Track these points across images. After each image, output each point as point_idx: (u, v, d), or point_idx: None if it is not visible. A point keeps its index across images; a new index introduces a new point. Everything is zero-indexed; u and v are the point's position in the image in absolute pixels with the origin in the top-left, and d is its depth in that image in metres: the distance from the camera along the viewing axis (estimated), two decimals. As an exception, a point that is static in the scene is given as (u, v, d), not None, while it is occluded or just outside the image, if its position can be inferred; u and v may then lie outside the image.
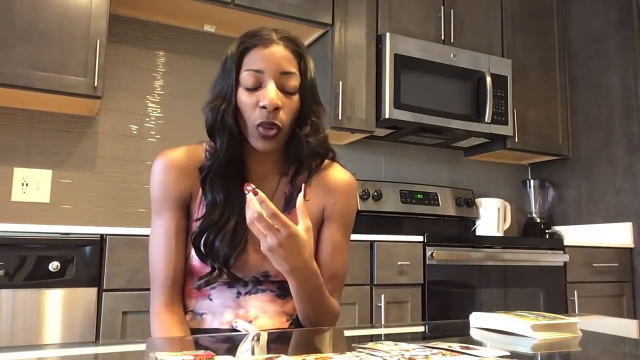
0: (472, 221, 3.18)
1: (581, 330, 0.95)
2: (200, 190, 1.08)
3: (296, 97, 1.06)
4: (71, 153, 2.41)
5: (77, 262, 1.80)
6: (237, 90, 1.04)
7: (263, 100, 1.01)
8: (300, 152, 1.09)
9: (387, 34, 2.67)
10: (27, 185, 2.31)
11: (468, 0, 2.98)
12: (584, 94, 3.20)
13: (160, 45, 2.63)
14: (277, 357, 0.67)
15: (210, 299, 1.08)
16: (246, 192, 0.89)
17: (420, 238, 2.37)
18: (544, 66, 3.21)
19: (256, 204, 0.89)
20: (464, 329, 1.02)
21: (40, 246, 1.78)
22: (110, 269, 1.84)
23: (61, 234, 1.81)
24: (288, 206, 1.10)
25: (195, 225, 1.06)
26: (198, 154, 1.10)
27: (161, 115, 2.60)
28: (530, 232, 3.27)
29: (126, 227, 1.91)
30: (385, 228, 2.76)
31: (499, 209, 3.14)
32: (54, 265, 1.77)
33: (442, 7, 2.89)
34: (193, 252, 1.06)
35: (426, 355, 0.70)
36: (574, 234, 3.15)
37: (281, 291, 1.09)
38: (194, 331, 1.07)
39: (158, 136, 2.58)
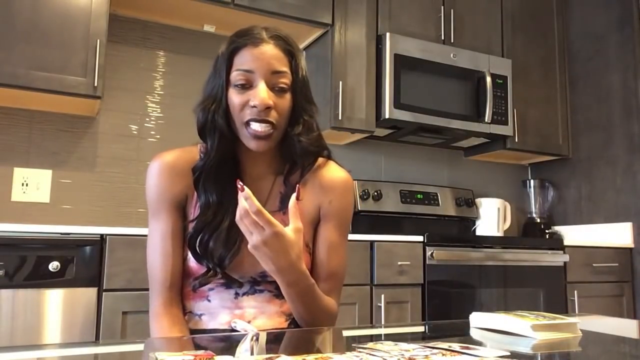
0: (472, 221, 3.18)
1: (581, 330, 0.95)
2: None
3: (288, 96, 1.05)
4: (71, 153, 2.41)
5: (77, 262, 1.80)
6: (228, 90, 1.04)
7: (254, 100, 1.01)
8: (292, 151, 1.08)
9: (387, 34, 2.67)
10: (27, 185, 2.31)
11: (468, 0, 2.98)
12: (584, 94, 3.20)
13: (160, 45, 2.63)
14: (277, 357, 0.67)
15: (209, 300, 1.08)
16: (239, 189, 0.90)
17: (420, 238, 2.37)
18: (544, 66, 3.21)
19: (242, 201, 0.89)
20: (464, 329, 1.02)
21: (40, 246, 1.78)
22: (110, 269, 1.84)
23: (61, 234, 1.81)
24: (283, 206, 1.10)
25: (190, 226, 1.06)
26: (193, 156, 1.10)
27: (161, 115, 2.60)
28: (530, 232, 3.27)
29: (126, 227, 1.91)
30: (385, 228, 2.76)
31: (499, 209, 3.14)
32: (54, 265, 1.77)
33: (442, 7, 2.89)
34: (190, 254, 1.06)
35: (426, 355, 0.70)
36: (574, 234, 3.15)
37: (279, 291, 1.08)
38: (193, 332, 1.07)
39: (158, 136, 2.58)
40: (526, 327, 0.90)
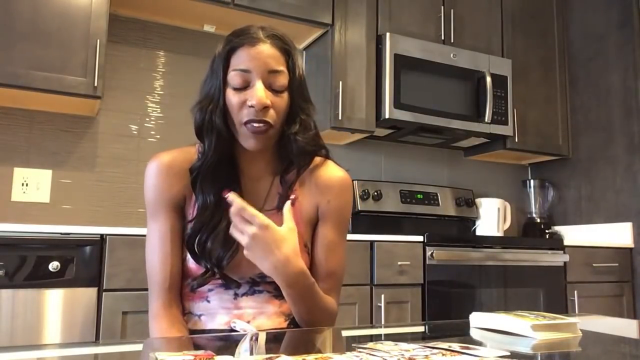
0: (472, 221, 3.18)
1: (581, 330, 0.95)
2: None
3: (285, 95, 1.05)
4: (71, 153, 2.41)
5: (77, 262, 1.80)
6: (225, 90, 1.04)
7: (251, 99, 1.01)
8: (289, 150, 1.08)
9: (387, 34, 2.67)
10: (27, 185, 2.31)
11: (468, 0, 2.98)
12: (584, 94, 3.20)
13: (160, 45, 2.63)
14: (277, 357, 0.67)
15: (208, 301, 1.08)
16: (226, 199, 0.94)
17: (420, 238, 2.37)
18: (544, 66, 3.21)
19: (232, 209, 0.92)
20: (464, 329, 1.02)
21: (40, 246, 1.78)
22: (110, 269, 1.84)
23: (61, 234, 1.81)
24: (281, 205, 1.10)
25: (188, 227, 1.06)
26: (190, 156, 1.10)
27: (161, 115, 2.60)
28: (530, 232, 3.27)
29: (126, 227, 1.91)
30: (385, 228, 2.76)
31: (499, 209, 3.14)
32: (54, 265, 1.77)
33: (442, 7, 2.89)
34: (189, 255, 1.06)
35: (426, 355, 0.70)
36: (574, 234, 3.15)
37: (278, 292, 1.08)
38: (192, 332, 1.07)
39: (158, 136, 2.58)
40: (526, 327, 0.90)
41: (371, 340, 0.91)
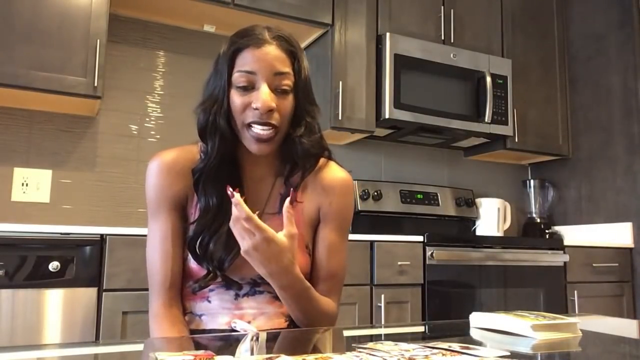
0: (472, 221, 3.18)
1: (581, 330, 0.95)
2: None
3: (290, 97, 1.04)
4: (71, 153, 2.41)
5: (77, 262, 1.80)
6: (229, 91, 1.03)
7: (256, 102, 1.00)
8: (294, 153, 1.08)
9: (387, 34, 2.67)
10: (27, 185, 2.31)
11: (468, 0, 2.98)
12: (584, 94, 3.20)
13: (160, 45, 2.63)
14: (277, 357, 0.67)
15: (209, 301, 1.08)
16: (231, 197, 0.91)
17: (420, 238, 2.37)
18: (544, 66, 3.21)
19: (234, 207, 0.90)
20: (464, 329, 1.02)
21: (40, 246, 1.78)
22: (110, 269, 1.84)
23: (61, 234, 1.81)
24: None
25: (190, 229, 1.06)
26: (192, 155, 1.09)
27: (161, 115, 2.60)
28: (530, 232, 3.27)
29: (126, 227, 1.91)
30: (385, 228, 2.76)
31: (499, 209, 3.14)
32: (54, 265, 1.77)
33: (442, 7, 2.89)
34: (190, 255, 1.06)
35: (426, 355, 0.70)
36: (574, 234, 3.15)
37: (278, 292, 1.09)
38: (193, 332, 1.07)
39: (158, 136, 2.58)
40: (526, 327, 0.90)
41: (371, 340, 0.91)
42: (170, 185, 1.08)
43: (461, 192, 3.15)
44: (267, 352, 0.82)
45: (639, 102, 2.90)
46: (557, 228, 3.25)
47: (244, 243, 0.92)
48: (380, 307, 2.23)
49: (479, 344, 0.92)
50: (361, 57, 2.67)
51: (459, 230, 3.16)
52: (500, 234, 3.12)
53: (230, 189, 0.90)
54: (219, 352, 0.77)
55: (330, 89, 2.58)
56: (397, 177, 3.08)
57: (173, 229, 1.07)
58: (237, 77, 1.02)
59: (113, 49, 2.47)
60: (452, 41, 2.88)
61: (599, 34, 3.13)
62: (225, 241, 1.03)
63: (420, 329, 1.47)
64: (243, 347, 0.84)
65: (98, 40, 2.14)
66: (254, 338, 0.89)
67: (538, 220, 3.27)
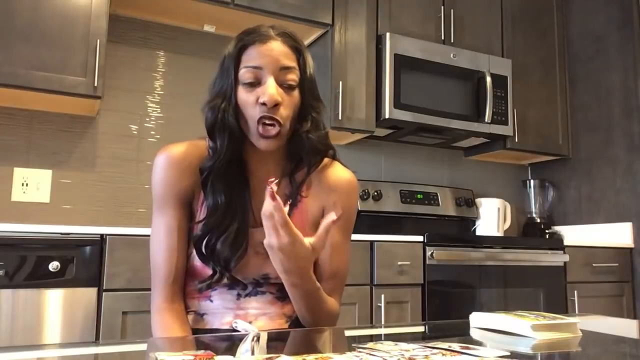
0: (472, 221, 3.18)
1: (581, 330, 0.95)
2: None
3: (296, 93, 1.05)
4: (71, 153, 2.41)
5: (77, 262, 1.80)
6: (237, 88, 1.03)
7: (263, 96, 1.00)
8: (300, 148, 1.08)
9: (387, 34, 2.67)
10: (27, 185, 2.31)
11: (468, 0, 2.98)
12: (584, 94, 3.20)
13: (160, 45, 2.63)
14: (277, 357, 0.67)
15: (211, 300, 1.08)
16: (268, 185, 0.89)
17: (420, 238, 2.37)
18: (544, 66, 3.21)
19: (269, 200, 0.88)
20: (464, 329, 1.02)
21: (40, 246, 1.78)
22: (110, 269, 1.84)
23: (61, 234, 1.81)
24: (289, 207, 1.10)
25: (197, 227, 1.05)
26: (201, 151, 1.08)
27: (161, 115, 2.60)
28: (530, 232, 3.27)
29: (126, 227, 1.91)
30: (385, 228, 2.76)
31: (499, 209, 3.14)
32: (54, 265, 1.77)
33: (442, 7, 2.89)
34: (194, 252, 1.06)
35: (426, 355, 0.70)
36: (574, 234, 3.15)
37: (281, 293, 1.09)
38: (194, 331, 1.07)
39: (158, 136, 2.58)
40: (526, 327, 0.90)
41: (371, 340, 0.91)
42: (179, 180, 1.07)
43: (461, 192, 3.15)
44: (268, 352, 0.82)
45: (639, 102, 2.90)
46: (557, 228, 3.25)
47: (271, 239, 0.91)
48: (380, 307, 2.23)
49: (479, 344, 0.92)
50: (361, 57, 2.67)
51: (459, 230, 3.16)
52: (500, 234, 3.12)
53: (274, 186, 0.89)
54: (220, 352, 0.77)
55: (330, 89, 2.58)
56: (397, 177, 3.08)
57: (179, 225, 1.07)
58: (244, 73, 1.02)
59: (113, 49, 2.47)
60: (452, 41, 2.88)
61: (599, 34, 3.13)
62: (232, 242, 1.03)
63: (420, 329, 1.47)
64: (243, 347, 0.84)
65: (98, 40, 2.14)
66: (255, 338, 0.89)
67: (538, 220, 3.27)
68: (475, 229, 3.17)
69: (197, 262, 1.06)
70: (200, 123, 1.08)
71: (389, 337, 0.94)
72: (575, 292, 2.67)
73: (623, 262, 2.86)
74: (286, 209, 0.95)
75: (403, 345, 0.77)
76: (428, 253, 2.36)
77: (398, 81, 2.66)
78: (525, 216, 3.38)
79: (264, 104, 1.00)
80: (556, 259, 2.66)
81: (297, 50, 1.06)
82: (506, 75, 2.95)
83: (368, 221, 2.83)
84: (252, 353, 0.80)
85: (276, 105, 1.01)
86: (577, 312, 2.62)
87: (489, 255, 2.51)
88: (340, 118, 2.56)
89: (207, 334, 1.06)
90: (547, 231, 3.20)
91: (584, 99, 3.19)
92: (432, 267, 2.36)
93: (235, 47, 1.04)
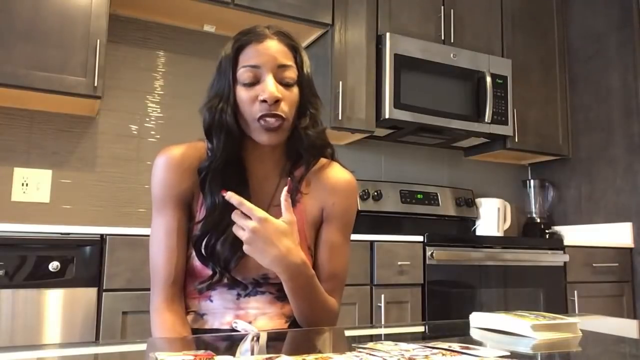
0: (472, 221, 3.18)
1: (581, 330, 0.95)
2: None
3: (295, 89, 1.06)
4: (71, 153, 2.41)
5: (77, 262, 1.80)
6: (236, 88, 1.04)
7: (263, 94, 1.01)
8: (298, 145, 1.08)
9: (387, 34, 2.67)
10: (27, 185, 2.31)
11: (468, 0, 2.98)
12: (584, 94, 3.20)
13: (160, 45, 2.63)
14: (277, 357, 0.67)
15: (211, 301, 1.08)
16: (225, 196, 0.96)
17: (420, 238, 2.37)
18: (544, 66, 3.21)
19: (232, 203, 0.95)
20: (464, 329, 1.02)
21: (40, 246, 1.78)
22: (110, 269, 1.84)
23: (61, 234, 1.81)
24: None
25: (196, 228, 1.06)
26: (200, 153, 1.09)
27: (161, 115, 2.60)
28: (530, 232, 3.27)
29: (126, 227, 1.91)
30: (385, 228, 2.76)
31: (499, 209, 3.14)
32: (54, 265, 1.77)
33: (442, 7, 2.89)
34: (194, 253, 1.06)
35: (426, 355, 0.70)
36: (574, 234, 3.15)
37: (280, 293, 1.09)
38: (194, 331, 1.07)
39: (158, 136, 2.58)
40: (526, 327, 0.90)
41: (371, 340, 0.91)
42: (179, 182, 1.08)
43: (461, 192, 3.15)
44: (268, 352, 0.82)
45: (639, 102, 2.90)
46: (557, 228, 3.25)
47: (244, 233, 0.94)
48: (380, 307, 2.23)
49: (479, 344, 0.93)
50: (361, 57, 2.67)
51: (459, 230, 3.16)
52: (500, 234, 3.12)
53: (225, 191, 0.95)
54: (220, 352, 0.77)
55: (330, 89, 2.58)
56: (397, 177, 3.08)
57: (178, 226, 1.07)
58: (242, 73, 1.03)
59: (113, 49, 2.47)
60: (452, 41, 2.88)
61: (599, 34, 3.13)
62: (231, 242, 1.03)
63: (420, 329, 1.47)
64: (243, 347, 0.84)
65: (98, 40, 2.14)
66: (255, 338, 0.89)
67: (538, 220, 3.27)
68: (475, 229, 3.17)
69: (196, 262, 1.06)
70: (200, 123, 1.09)
71: (389, 337, 0.94)
72: (575, 292, 2.67)
73: (623, 262, 2.86)
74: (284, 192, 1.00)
75: (403, 345, 0.77)
76: (428, 253, 2.36)
77: (398, 81, 2.66)
78: (525, 216, 3.38)
79: (264, 101, 1.01)
80: (556, 259, 2.66)
81: (294, 48, 1.07)
82: (506, 75, 2.95)
83: (368, 221, 2.83)
84: (252, 353, 0.80)
85: (277, 101, 1.01)
86: (577, 312, 2.62)
87: (489, 255, 2.51)
88: (340, 118, 2.56)
89: (207, 334, 1.06)
90: (547, 231, 3.20)
91: (584, 99, 3.19)
92: (432, 267, 2.36)
93: (232, 48, 1.05)
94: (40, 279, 1.76)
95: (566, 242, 2.74)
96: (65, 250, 1.79)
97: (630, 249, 2.88)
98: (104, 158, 2.47)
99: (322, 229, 1.12)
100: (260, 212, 0.94)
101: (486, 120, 2.84)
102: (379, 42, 2.71)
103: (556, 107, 3.21)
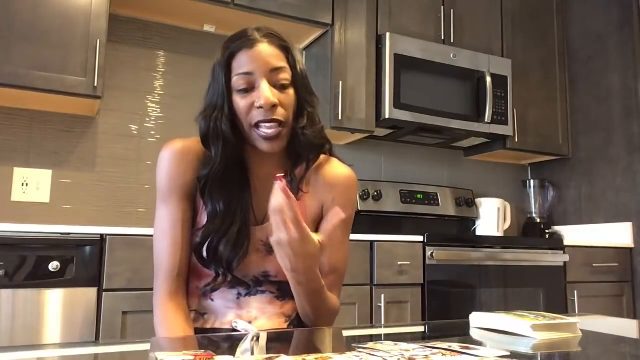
0: (472, 221, 3.18)
1: (581, 330, 0.95)
2: None
3: (291, 91, 1.06)
4: (71, 153, 2.41)
5: (77, 262, 1.80)
6: (232, 97, 1.04)
7: (259, 100, 1.01)
8: (298, 145, 1.08)
9: (387, 34, 2.67)
10: (27, 185, 2.31)
11: (468, 0, 2.98)
12: (584, 94, 3.20)
13: (160, 45, 2.63)
14: (277, 357, 0.67)
15: (212, 300, 1.08)
16: (276, 181, 0.89)
17: (420, 238, 2.37)
18: (544, 66, 3.21)
19: (279, 194, 0.88)
20: (464, 329, 1.02)
21: (40, 246, 1.78)
22: (110, 269, 1.84)
23: (61, 234, 1.81)
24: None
25: (197, 235, 1.06)
26: (204, 149, 1.09)
27: (161, 115, 2.60)
28: (530, 232, 3.27)
29: (126, 227, 1.90)
30: (385, 228, 2.76)
31: (499, 209, 3.14)
32: (54, 265, 1.77)
33: (442, 7, 2.89)
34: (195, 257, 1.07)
35: (426, 355, 0.70)
36: (574, 234, 3.15)
37: (280, 292, 1.09)
38: (195, 331, 1.07)
39: (158, 136, 2.58)
40: (526, 327, 0.90)
41: (371, 340, 0.91)
42: (183, 173, 1.08)
43: (461, 192, 3.15)
44: (268, 352, 0.82)
45: (639, 102, 2.90)
46: (557, 228, 3.25)
47: (280, 234, 0.90)
48: (380, 307, 2.23)
49: (479, 344, 0.93)
50: (361, 57, 2.67)
51: (459, 230, 3.16)
52: (500, 234, 3.12)
53: (283, 181, 0.89)
54: (220, 351, 0.77)
55: (330, 89, 2.58)
56: (397, 177, 3.08)
57: (183, 218, 1.07)
58: (236, 81, 1.03)
59: (113, 49, 2.47)
60: (452, 41, 2.88)
61: (599, 34, 3.13)
62: (234, 243, 1.03)
63: (420, 329, 1.47)
64: (243, 347, 0.84)
65: (98, 40, 2.14)
66: (255, 338, 0.89)
67: (538, 220, 3.27)
68: (475, 229, 3.17)
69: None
70: (200, 124, 1.09)
71: (389, 337, 0.94)
72: (575, 292, 2.67)
73: (623, 262, 2.86)
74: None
75: (403, 345, 0.77)
76: (428, 253, 2.36)
77: (398, 81, 2.66)
78: (525, 216, 3.38)
79: (260, 107, 1.01)
80: (556, 259, 2.66)
81: (285, 48, 1.07)
82: (506, 75, 2.95)
83: (368, 221, 2.83)
84: (252, 353, 0.80)
85: (274, 106, 1.01)
86: (577, 312, 2.62)
87: (489, 255, 2.51)
88: (340, 118, 2.56)
89: (207, 334, 1.06)
90: (547, 231, 3.20)
91: (584, 99, 3.19)
92: (432, 267, 2.36)
93: (223, 56, 1.05)
94: (40, 279, 1.76)
95: (566, 242, 2.74)
96: (65, 250, 1.79)
97: (630, 249, 2.88)
98: (104, 158, 2.47)
99: (322, 224, 1.12)
100: (305, 232, 0.90)
101: (486, 120, 2.84)
102: (379, 42, 2.71)
103: (556, 107, 3.21)
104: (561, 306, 2.64)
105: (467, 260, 2.45)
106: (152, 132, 2.57)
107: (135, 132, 2.54)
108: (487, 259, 2.50)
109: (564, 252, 2.68)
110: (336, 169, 1.14)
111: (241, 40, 1.04)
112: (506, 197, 3.31)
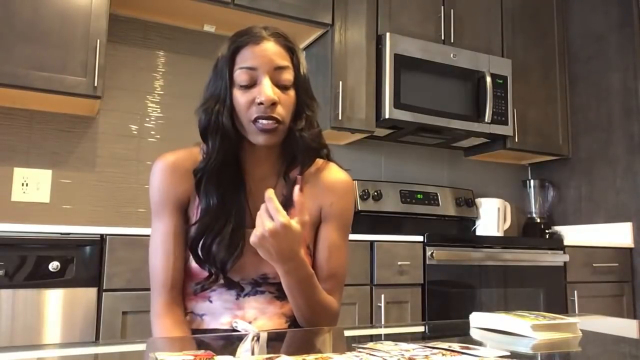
0: (472, 221, 3.18)
1: (581, 330, 0.95)
2: None
3: (292, 92, 1.06)
4: (71, 153, 2.41)
5: (77, 262, 1.80)
6: (232, 90, 1.04)
7: (259, 96, 1.01)
8: (294, 147, 1.08)
9: (387, 34, 2.67)
10: (27, 185, 2.31)
11: (468, 0, 2.98)
12: (584, 94, 3.20)
13: (160, 45, 2.63)
14: (277, 357, 0.67)
15: (210, 301, 1.08)
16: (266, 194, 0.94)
17: (420, 238, 2.37)
18: (544, 66, 3.21)
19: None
20: (464, 329, 1.02)
21: (40, 246, 1.78)
22: (110, 269, 1.84)
23: (61, 234, 1.81)
24: (286, 208, 1.10)
25: (192, 229, 1.06)
26: (195, 157, 1.09)
27: (161, 115, 2.60)
28: (530, 232, 3.27)
29: (126, 227, 1.91)
30: (385, 228, 2.76)
31: (499, 209, 3.14)
32: (54, 265, 1.77)
33: (442, 7, 2.89)
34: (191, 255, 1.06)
35: (426, 355, 0.70)
36: (574, 234, 3.15)
37: (280, 293, 1.09)
38: (194, 332, 1.07)
39: (158, 136, 2.58)
40: (526, 327, 0.90)
41: (371, 340, 0.91)
42: (174, 186, 1.08)
43: (461, 192, 3.15)
44: (268, 352, 0.82)
45: (639, 102, 2.90)
46: (557, 228, 3.25)
47: (264, 227, 0.92)
48: (380, 307, 2.23)
49: (479, 344, 0.93)
50: (361, 57, 2.67)
51: (459, 230, 3.16)
52: (500, 234, 3.12)
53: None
54: (220, 352, 0.77)
55: (330, 89, 2.58)
56: (397, 177, 3.08)
57: (175, 230, 1.08)
58: (239, 75, 1.03)
59: (113, 49, 2.47)
60: (452, 41, 2.88)
61: (599, 34, 3.13)
62: (228, 243, 1.03)
63: (420, 329, 1.47)
64: (243, 347, 0.84)
65: (98, 40, 2.14)
66: (255, 338, 0.89)
67: (538, 220, 3.27)
68: (475, 229, 3.17)
69: (193, 264, 1.07)
70: (199, 124, 1.08)
71: (389, 337, 0.94)
72: (575, 292, 2.67)
73: (623, 262, 2.86)
74: (296, 188, 0.97)
75: (403, 345, 0.77)
76: (428, 253, 2.36)
77: (398, 81, 2.66)
78: (525, 216, 3.38)
79: (261, 103, 1.01)
80: (556, 259, 2.66)
81: (290, 49, 1.07)
82: (506, 75, 2.95)
83: (368, 221, 2.83)
84: (252, 353, 0.80)
85: (273, 104, 1.01)
86: (577, 312, 2.62)
87: (489, 255, 2.51)
88: (340, 118, 2.56)
89: (207, 334, 1.06)
90: (547, 231, 3.20)
91: (584, 99, 3.19)
92: (432, 267, 2.36)
93: (228, 49, 1.05)
94: (40, 279, 1.76)
95: (566, 242, 2.74)
96: (65, 250, 1.79)
97: (630, 249, 2.88)
98: (104, 158, 2.47)
99: (320, 229, 1.12)
100: (284, 217, 0.92)
101: (486, 120, 2.84)
102: (379, 42, 2.71)
103: (556, 107, 3.21)
104: (561, 306, 2.64)
105: (467, 260, 2.45)
106: (152, 132, 2.57)
107: (135, 132, 2.54)
108: (487, 259, 2.50)
109: (564, 252, 2.68)
110: (335, 174, 1.15)
111: (248, 36, 1.04)
112: (506, 197, 3.31)
